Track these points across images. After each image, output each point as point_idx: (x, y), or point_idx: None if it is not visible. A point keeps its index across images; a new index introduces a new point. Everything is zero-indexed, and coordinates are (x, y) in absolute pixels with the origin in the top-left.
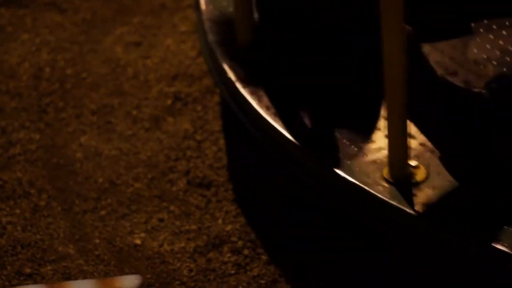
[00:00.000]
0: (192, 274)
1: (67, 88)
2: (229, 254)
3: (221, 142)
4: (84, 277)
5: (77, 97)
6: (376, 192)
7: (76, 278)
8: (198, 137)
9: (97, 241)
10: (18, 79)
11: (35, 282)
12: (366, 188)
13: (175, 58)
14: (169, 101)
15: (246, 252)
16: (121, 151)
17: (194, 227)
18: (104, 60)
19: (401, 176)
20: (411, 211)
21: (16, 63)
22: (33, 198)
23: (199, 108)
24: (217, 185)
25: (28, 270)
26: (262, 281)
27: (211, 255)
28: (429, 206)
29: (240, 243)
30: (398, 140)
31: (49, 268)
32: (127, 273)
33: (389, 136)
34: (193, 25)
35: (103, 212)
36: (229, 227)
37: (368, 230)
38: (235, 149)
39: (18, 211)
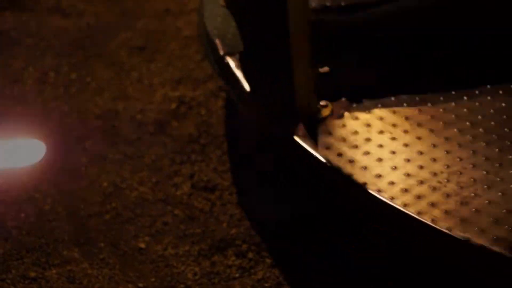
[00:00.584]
0: (197, 277)
1: (71, 92)
2: (233, 258)
3: (225, 145)
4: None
5: (82, 101)
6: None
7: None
8: (203, 141)
9: (102, 244)
10: (23, 83)
11: (39, 286)
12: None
13: (179, 62)
14: (173, 105)
15: (250, 255)
16: (126, 155)
17: (198, 230)
18: (108, 65)
19: None
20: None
21: (21, 67)
22: (38, 202)
23: (203, 112)
24: (222, 189)
25: (32, 274)
26: (267, 284)
27: (215, 258)
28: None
29: (244, 246)
30: None
31: (53, 271)
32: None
33: None
34: (197, 29)
35: (107, 216)
36: (233, 231)
37: (369, 232)
38: (239, 152)
39: (23, 215)
